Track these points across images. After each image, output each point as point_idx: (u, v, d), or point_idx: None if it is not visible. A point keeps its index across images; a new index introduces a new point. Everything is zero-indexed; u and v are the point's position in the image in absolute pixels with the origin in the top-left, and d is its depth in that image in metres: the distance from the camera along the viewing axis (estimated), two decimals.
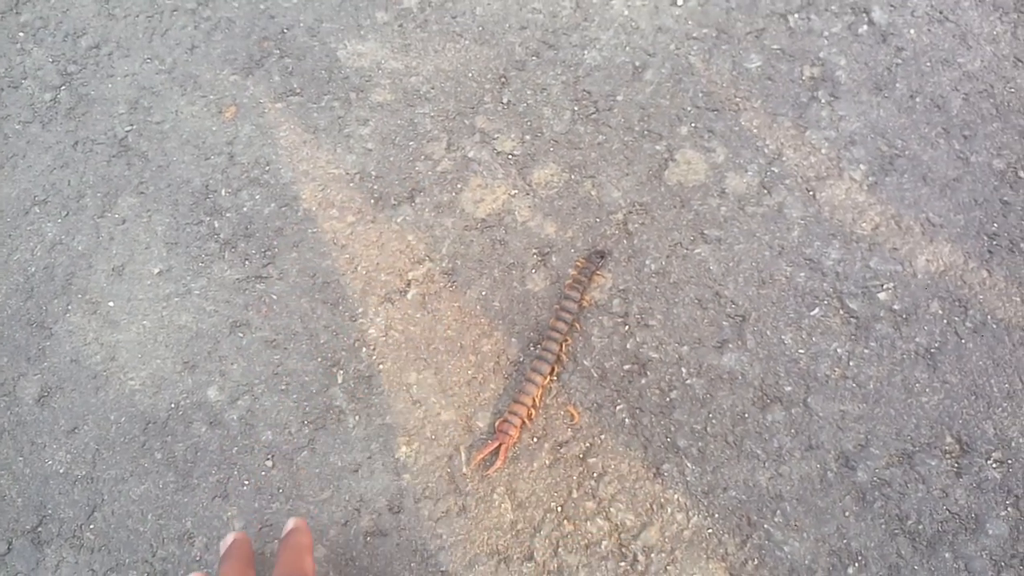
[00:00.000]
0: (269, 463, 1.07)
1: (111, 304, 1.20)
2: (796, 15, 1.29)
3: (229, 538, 0.90)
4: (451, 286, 1.14)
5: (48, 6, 1.47)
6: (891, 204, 1.13)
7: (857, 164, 1.16)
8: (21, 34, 1.45)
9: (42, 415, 1.14)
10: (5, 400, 1.15)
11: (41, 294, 1.22)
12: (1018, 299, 1.05)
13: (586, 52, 1.29)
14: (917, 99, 1.20)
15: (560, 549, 0.98)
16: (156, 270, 1.21)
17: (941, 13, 1.27)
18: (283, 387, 1.11)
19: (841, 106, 1.21)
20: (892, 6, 1.29)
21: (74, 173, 1.31)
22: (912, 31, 1.26)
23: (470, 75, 1.29)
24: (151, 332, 1.17)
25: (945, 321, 1.05)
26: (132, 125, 1.33)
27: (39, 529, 1.07)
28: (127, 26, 1.43)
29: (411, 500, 1.02)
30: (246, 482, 1.06)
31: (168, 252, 1.22)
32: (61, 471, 1.10)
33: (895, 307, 1.06)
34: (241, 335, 1.15)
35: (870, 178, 1.15)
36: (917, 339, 1.04)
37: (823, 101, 1.21)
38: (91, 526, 1.06)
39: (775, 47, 1.26)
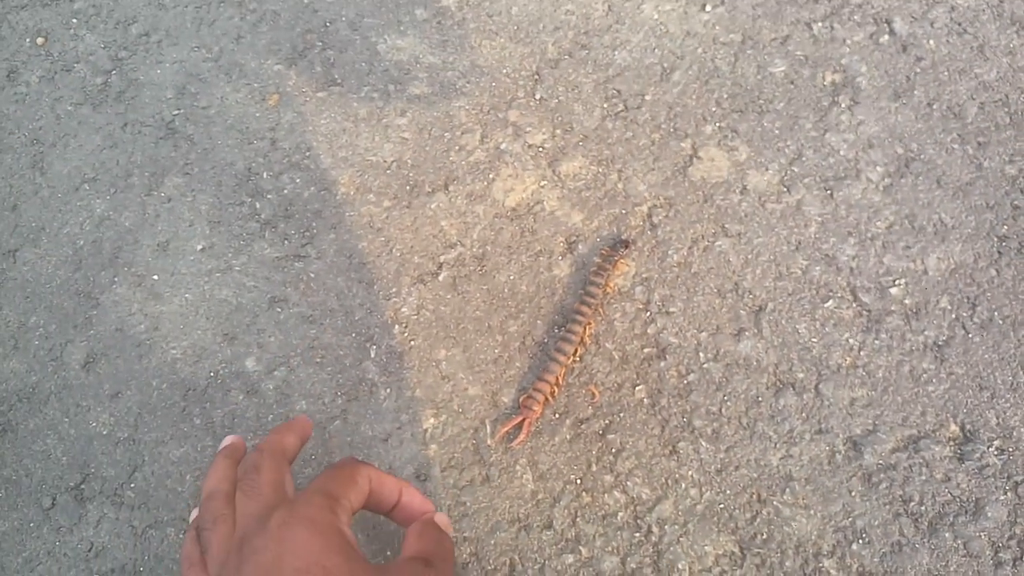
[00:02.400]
0: None
1: (155, 277, 1.26)
2: (820, 23, 1.34)
3: (227, 440, 0.95)
4: (481, 270, 1.20)
5: None
6: (906, 205, 1.18)
7: (874, 166, 1.21)
8: (75, 20, 1.52)
9: (87, 380, 1.20)
10: (53, 364, 1.21)
11: (89, 266, 1.28)
12: None
13: (617, 53, 1.34)
14: (934, 106, 1.25)
15: (578, 519, 1.03)
16: (199, 247, 1.27)
17: (960, 25, 1.32)
18: (318, 360, 1.17)
19: (861, 111, 1.25)
20: (913, 18, 1.34)
21: (123, 153, 1.37)
22: (932, 42, 1.31)
23: (505, 71, 1.35)
24: (193, 305, 1.23)
25: (954, 316, 1.09)
26: (179, 109, 1.40)
27: (82, 486, 1.13)
28: (176, 15, 1.49)
29: (437, 469, 1.08)
30: None
31: (211, 230, 1.28)
32: (104, 433, 1.16)
33: (906, 302, 1.11)
34: (279, 310, 1.21)
35: (886, 180, 1.20)
36: (926, 332, 1.09)
37: (843, 106, 1.26)
38: (132, 485, 1.12)
39: (799, 53, 1.31)
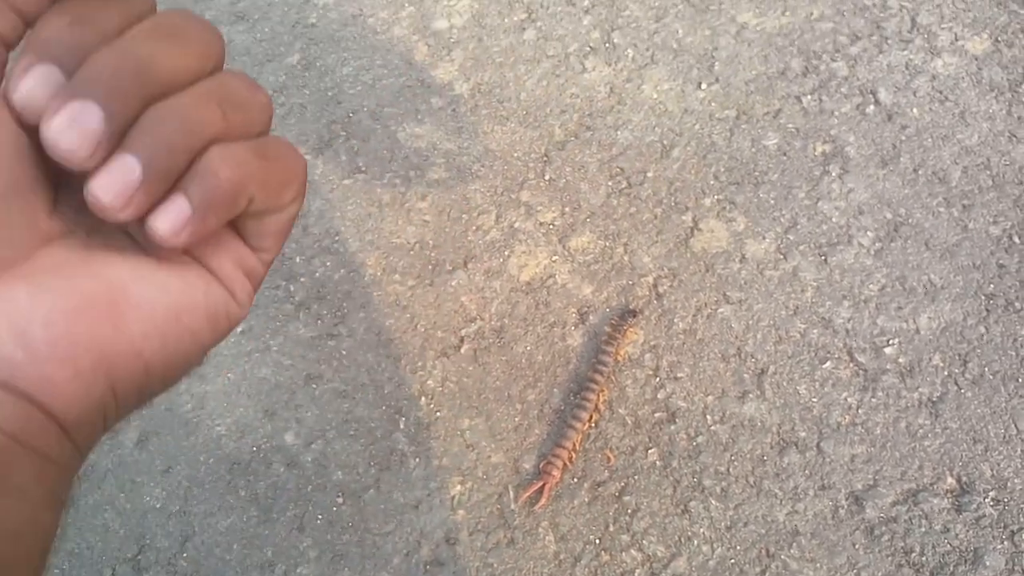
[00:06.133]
0: (340, 499, 1.21)
1: None
2: (809, 96, 1.44)
3: None
4: (499, 342, 1.29)
5: None
6: (896, 267, 1.25)
7: (865, 231, 1.29)
8: None
9: (140, 457, 1.29)
10: (109, 444, 1.31)
11: None
12: (1013, 353, 1.16)
13: (619, 132, 1.44)
14: (920, 172, 1.33)
15: None
16: (239, 329, 1.37)
17: (941, 93, 1.41)
18: (352, 432, 1.25)
19: (850, 179, 1.34)
20: (897, 88, 1.42)
21: None
22: (915, 110, 1.40)
23: (516, 154, 1.45)
24: (235, 384, 1.33)
25: (946, 373, 1.16)
26: None
27: (139, 557, 1.22)
28: None
29: (465, 533, 1.15)
30: (319, 516, 1.20)
31: (249, 314, 1.38)
32: (157, 506, 1.25)
33: (900, 360, 1.18)
34: (314, 386, 1.30)
35: (877, 244, 1.28)
36: (920, 389, 1.16)
37: (834, 175, 1.35)
38: (184, 555, 1.21)
39: (790, 126, 1.41)
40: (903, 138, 1.37)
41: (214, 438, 1.29)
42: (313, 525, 1.20)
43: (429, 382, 1.27)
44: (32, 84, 0.28)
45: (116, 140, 0.28)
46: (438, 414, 1.25)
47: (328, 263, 1.41)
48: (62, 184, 0.33)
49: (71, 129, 0.27)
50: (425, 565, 1.14)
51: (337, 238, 1.43)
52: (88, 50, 0.29)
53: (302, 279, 1.40)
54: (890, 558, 1.06)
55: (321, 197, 1.47)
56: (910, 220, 1.29)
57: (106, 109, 0.28)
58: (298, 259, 1.42)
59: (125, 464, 1.29)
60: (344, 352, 1.32)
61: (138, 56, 0.29)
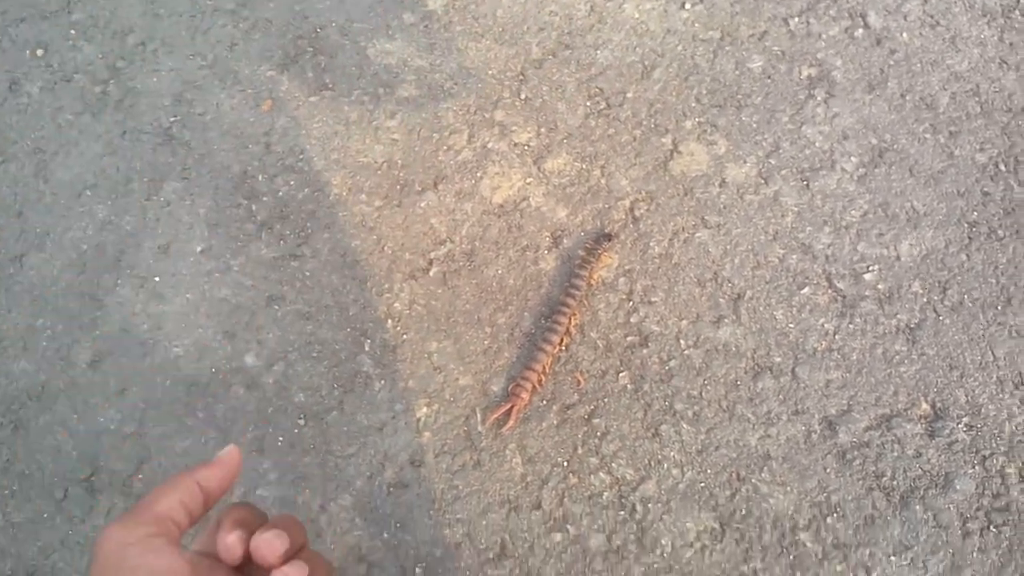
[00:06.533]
0: (301, 421, 1.17)
1: (157, 279, 1.30)
2: (796, 19, 1.39)
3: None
4: (470, 265, 1.24)
5: (97, 6, 1.58)
6: (879, 194, 1.22)
7: (849, 157, 1.25)
8: (73, 32, 1.56)
9: (94, 378, 1.24)
10: (61, 364, 1.26)
11: (93, 269, 1.32)
12: (994, 280, 1.14)
13: (599, 52, 1.39)
14: (907, 97, 1.29)
15: (566, 499, 1.07)
16: (199, 248, 1.32)
17: (932, 18, 1.36)
18: (315, 354, 1.21)
19: (836, 103, 1.30)
20: (887, 11, 1.38)
21: (122, 160, 1.42)
22: (905, 35, 1.35)
23: (491, 72, 1.40)
24: (194, 304, 1.28)
25: (925, 300, 1.14)
26: (176, 116, 1.44)
27: (92, 479, 1.18)
28: (171, 24, 1.54)
29: (431, 455, 1.12)
30: (280, 439, 1.16)
31: (210, 232, 1.33)
32: (112, 428, 1.21)
33: (879, 287, 1.15)
34: (276, 307, 1.25)
35: (860, 170, 1.24)
36: (899, 316, 1.13)
37: (819, 99, 1.31)
38: (139, 476, 1.17)
39: (776, 48, 1.36)
40: (891, 63, 1.33)
41: (171, 359, 1.24)
42: (274, 447, 1.16)
43: (396, 304, 1.23)
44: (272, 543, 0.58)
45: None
46: (405, 337, 1.21)
47: (292, 182, 1.35)
48: None
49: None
50: (389, 487, 1.11)
51: (302, 156, 1.37)
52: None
53: (264, 198, 1.34)
54: (861, 482, 1.04)
55: (286, 114, 1.41)
56: (895, 146, 1.25)
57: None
58: (261, 177, 1.36)
59: (78, 385, 1.24)
60: (307, 273, 1.27)
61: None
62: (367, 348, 1.21)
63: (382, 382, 1.18)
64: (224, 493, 0.68)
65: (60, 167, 1.43)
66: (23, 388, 1.25)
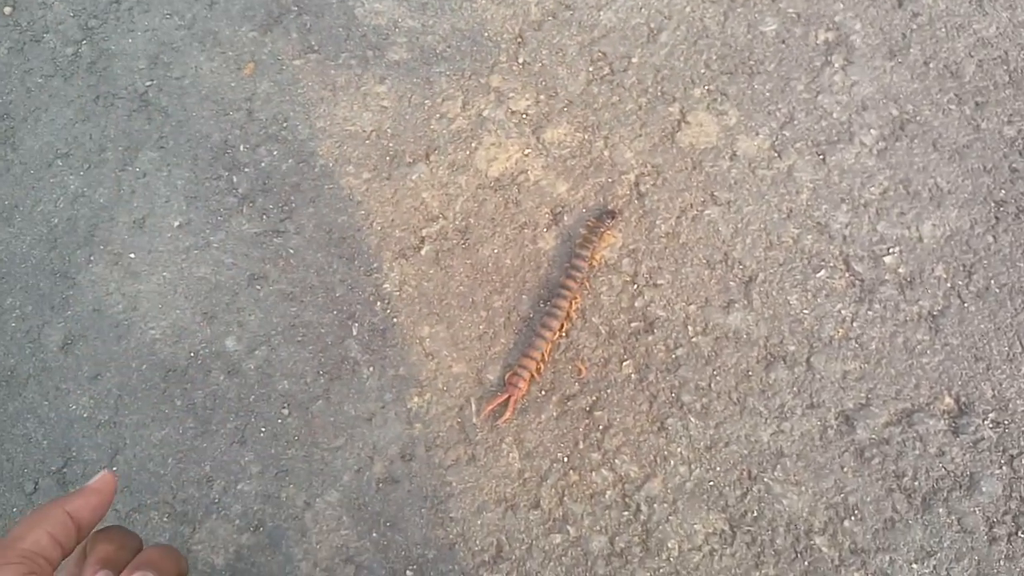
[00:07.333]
0: (285, 411, 1.10)
1: (132, 256, 1.23)
2: None
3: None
4: (464, 243, 1.17)
5: None
6: (900, 169, 1.14)
7: (868, 129, 1.17)
8: None
9: (66, 362, 1.17)
10: (31, 347, 1.19)
11: (64, 245, 1.25)
12: (1022, 265, 1.07)
13: (602, 13, 1.30)
14: (931, 65, 1.21)
15: (565, 498, 1.01)
16: (176, 223, 1.24)
17: None
18: (299, 338, 1.14)
19: (854, 71, 1.21)
20: None
21: (95, 127, 1.33)
22: None
23: (486, 34, 1.31)
24: (171, 283, 1.20)
25: (949, 285, 1.07)
26: (152, 80, 1.35)
27: (64, 470, 1.12)
28: None
29: (422, 448, 1.06)
30: (263, 429, 1.10)
31: (188, 206, 1.25)
32: (85, 415, 1.14)
33: (900, 270, 1.08)
34: (259, 287, 1.18)
35: (880, 143, 1.16)
36: (921, 302, 1.06)
37: (836, 66, 1.22)
38: (114, 468, 1.10)
39: (791, 11, 1.27)
40: (914, 27, 1.24)
41: (147, 342, 1.17)
42: (256, 438, 1.10)
43: (385, 285, 1.16)
44: None
45: None
46: (395, 320, 1.14)
47: (275, 152, 1.26)
48: None
49: None
50: (378, 483, 1.05)
51: (285, 124, 1.28)
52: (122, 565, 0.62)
53: (246, 169, 1.26)
54: (880, 482, 0.98)
55: (269, 79, 1.32)
56: (917, 118, 1.17)
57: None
58: (242, 147, 1.27)
59: (49, 369, 1.17)
60: (291, 251, 1.20)
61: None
62: (355, 332, 1.14)
63: (371, 369, 1.11)
64: (98, 522, 0.66)
65: (29, 134, 1.34)
66: None
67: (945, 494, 0.96)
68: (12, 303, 1.22)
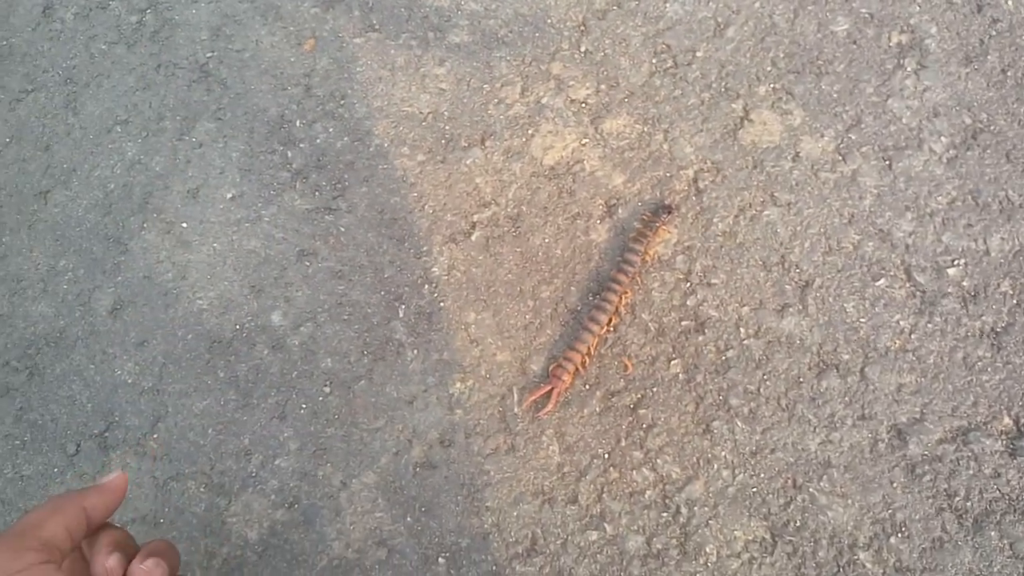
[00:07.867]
0: (327, 389, 1.10)
1: (184, 225, 1.23)
2: None
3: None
4: (515, 231, 1.15)
5: None
6: (970, 179, 1.10)
7: (938, 136, 1.13)
8: None
9: (114, 327, 1.18)
10: (81, 310, 1.20)
11: (119, 211, 1.26)
12: None
13: (668, 5, 1.27)
14: (1008, 73, 1.16)
15: (604, 495, 1.00)
16: (229, 195, 1.24)
17: None
18: (345, 317, 1.14)
19: (927, 76, 1.17)
20: None
21: (155, 96, 1.34)
22: (1010, 2, 1.21)
23: (549, 21, 1.29)
24: (221, 255, 1.21)
25: (1015, 301, 1.03)
26: (213, 52, 1.36)
27: (106, 434, 1.13)
28: None
29: (462, 435, 1.05)
30: (303, 406, 1.10)
31: (241, 178, 1.25)
32: (129, 381, 1.15)
33: (964, 283, 1.04)
34: (308, 264, 1.18)
35: (950, 151, 1.12)
36: (984, 317, 1.02)
37: (909, 69, 1.18)
38: (155, 435, 1.11)
39: (864, 11, 1.23)
40: (993, 33, 1.19)
41: (195, 312, 1.18)
42: (296, 414, 1.10)
43: (434, 269, 1.15)
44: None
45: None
46: (442, 304, 1.13)
47: (331, 129, 1.26)
48: None
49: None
50: (415, 467, 1.04)
51: (343, 102, 1.28)
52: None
53: (301, 145, 1.26)
54: (931, 500, 0.94)
55: (328, 56, 1.32)
56: (991, 127, 1.13)
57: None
58: (298, 123, 1.27)
59: (97, 333, 1.18)
60: (342, 228, 1.19)
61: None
62: (401, 314, 1.13)
63: (415, 352, 1.10)
64: (107, 519, 0.69)
65: (91, 100, 1.35)
66: (41, 333, 1.19)
67: (998, 517, 0.92)
68: (66, 265, 1.23)
